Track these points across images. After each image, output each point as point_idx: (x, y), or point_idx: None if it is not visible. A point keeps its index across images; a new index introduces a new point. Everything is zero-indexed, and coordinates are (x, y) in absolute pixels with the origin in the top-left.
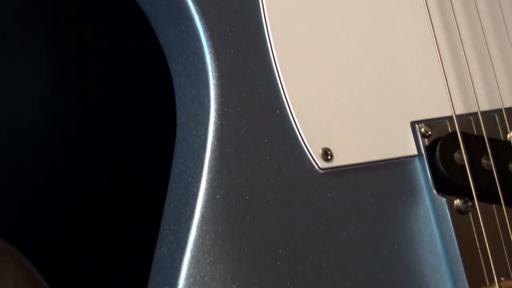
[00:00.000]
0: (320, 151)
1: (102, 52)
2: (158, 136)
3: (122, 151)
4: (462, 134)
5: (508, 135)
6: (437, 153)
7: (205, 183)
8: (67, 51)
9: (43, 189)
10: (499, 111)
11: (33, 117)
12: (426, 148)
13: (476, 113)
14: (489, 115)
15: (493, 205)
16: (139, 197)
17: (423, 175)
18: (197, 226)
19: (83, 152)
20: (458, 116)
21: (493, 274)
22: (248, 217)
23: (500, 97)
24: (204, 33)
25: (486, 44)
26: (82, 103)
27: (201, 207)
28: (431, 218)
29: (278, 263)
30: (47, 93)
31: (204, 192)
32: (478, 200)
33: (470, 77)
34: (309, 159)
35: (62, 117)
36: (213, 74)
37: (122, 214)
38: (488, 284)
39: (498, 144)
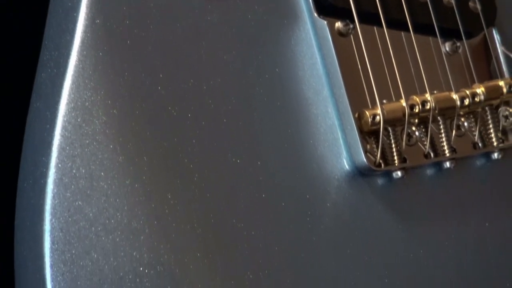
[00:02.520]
0: None
1: None
2: None
3: None
4: None
5: None
6: None
7: (84, 8)
8: None
9: None
10: None
11: None
12: None
13: None
14: None
15: (375, 27)
16: None
17: None
18: (77, 52)
19: None
20: None
21: (375, 97)
22: (128, 42)
23: None
24: None
25: None
26: None
27: (81, 32)
28: (313, 41)
29: (159, 88)
30: None
31: (84, 17)
32: (359, 22)
33: None
34: None
35: None
36: None
37: None
38: (370, 106)
39: None
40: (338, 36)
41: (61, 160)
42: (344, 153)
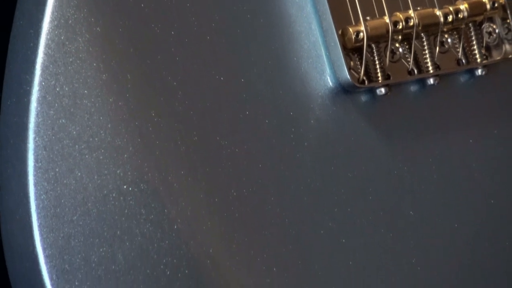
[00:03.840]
0: None
1: None
2: None
3: None
4: None
5: None
6: None
7: None
8: None
9: None
10: None
11: None
12: None
13: None
14: None
15: None
16: None
17: None
18: None
19: None
20: None
21: (358, 14)
22: None
23: None
24: None
25: None
26: None
27: None
28: None
29: (142, 5)
30: None
31: None
32: None
33: None
34: None
35: None
36: None
37: None
38: (353, 23)
39: None
40: None
41: (44, 78)
42: (327, 70)
